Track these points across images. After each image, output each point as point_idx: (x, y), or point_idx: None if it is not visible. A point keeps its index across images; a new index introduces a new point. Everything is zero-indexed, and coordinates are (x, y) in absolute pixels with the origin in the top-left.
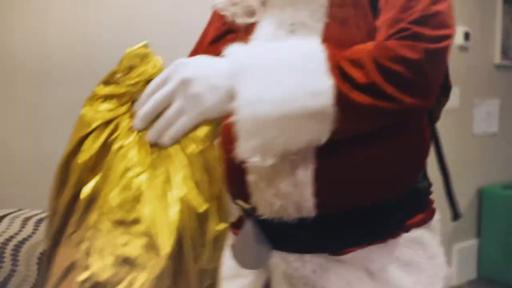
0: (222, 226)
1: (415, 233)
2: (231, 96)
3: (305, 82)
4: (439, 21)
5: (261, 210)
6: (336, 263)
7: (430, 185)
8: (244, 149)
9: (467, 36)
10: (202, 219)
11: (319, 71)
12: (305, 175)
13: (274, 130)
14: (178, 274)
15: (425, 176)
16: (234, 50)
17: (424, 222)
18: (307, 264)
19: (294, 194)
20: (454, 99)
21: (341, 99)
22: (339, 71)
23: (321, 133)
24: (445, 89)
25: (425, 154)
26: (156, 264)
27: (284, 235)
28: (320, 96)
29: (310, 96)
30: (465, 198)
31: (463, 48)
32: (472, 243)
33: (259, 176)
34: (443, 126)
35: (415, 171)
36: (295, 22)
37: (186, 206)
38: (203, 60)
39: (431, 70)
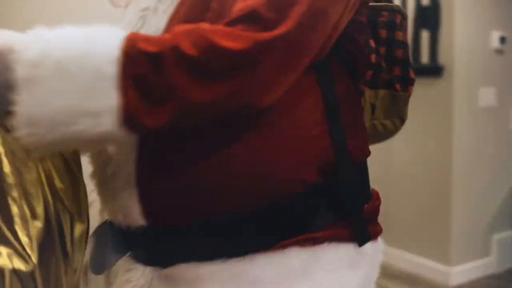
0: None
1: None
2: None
3: (87, 98)
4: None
5: (107, 215)
6: (165, 279)
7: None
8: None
9: (503, 40)
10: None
11: (106, 82)
12: (128, 177)
13: (52, 145)
14: None
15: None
16: (32, 34)
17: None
18: (141, 277)
19: (121, 199)
20: (492, 99)
21: (129, 120)
22: (132, 80)
23: (121, 153)
24: (406, 82)
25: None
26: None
27: (127, 243)
28: (102, 118)
29: (91, 118)
30: (503, 192)
31: (499, 51)
32: (510, 233)
33: (98, 179)
34: (481, 124)
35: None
36: (147, 6)
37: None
38: None
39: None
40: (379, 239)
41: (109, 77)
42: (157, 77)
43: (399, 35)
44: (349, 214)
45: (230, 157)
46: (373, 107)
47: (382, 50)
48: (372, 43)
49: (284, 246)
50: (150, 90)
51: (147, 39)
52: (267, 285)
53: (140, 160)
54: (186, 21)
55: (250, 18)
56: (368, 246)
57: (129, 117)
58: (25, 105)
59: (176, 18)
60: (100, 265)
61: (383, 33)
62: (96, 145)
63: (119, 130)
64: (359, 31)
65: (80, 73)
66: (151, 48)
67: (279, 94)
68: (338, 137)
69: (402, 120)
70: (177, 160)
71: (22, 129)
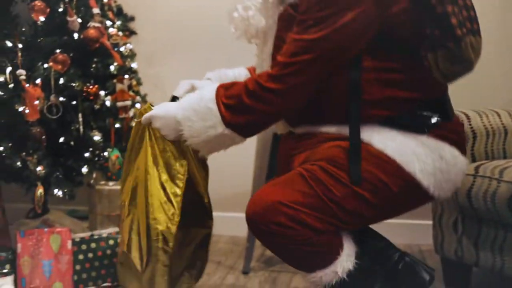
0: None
1: None
2: (177, 130)
3: (206, 120)
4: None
5: None
6: None
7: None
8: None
9: None
10: None
11: (212, 113)
12: None
13: (206, 147)
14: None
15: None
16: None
17: None
18: None
19: None
20: None
21: (227, 122)
22: (222, 105)
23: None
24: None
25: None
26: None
27: None
28: (215, 127)
29: (210, 128)
30: None
31: None
32: None
33: None
34: None
35: None
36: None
37: None
38: (163, 113)
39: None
40: None
41: (215, 109)
42: (235, 103)
43: None
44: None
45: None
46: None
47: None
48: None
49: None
50: (232, 109)
51: (226, 87)
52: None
53: None
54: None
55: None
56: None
57: (227, 123)
58: (186, 131)
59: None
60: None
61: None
62: (220, 140)
63: (226, 130)
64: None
65: (201, 110)
66: (229, 91)
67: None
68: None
69: None
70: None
71: (187, 140)
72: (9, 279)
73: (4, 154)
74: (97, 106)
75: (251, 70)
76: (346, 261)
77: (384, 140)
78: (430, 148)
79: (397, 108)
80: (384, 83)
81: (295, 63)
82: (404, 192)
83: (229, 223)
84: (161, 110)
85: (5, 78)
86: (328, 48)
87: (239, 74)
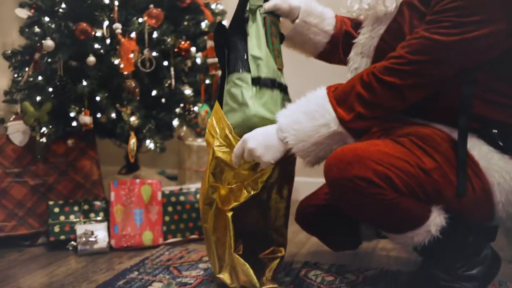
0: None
1: None
2: (281, 145)
3: (317, 119)
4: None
5: None
6: None
7: None
8: (305, 162)
9: None
10: None
11: (324, 111)
12: None
13: (314, 150)
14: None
15: None
16: (279, 116)
17: None
18: None
19: None
20: None
21: (342, 122)
22: (334, 101)
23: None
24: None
25: None
26: None
27: None
28: (328, 125)
29: (322, 127)
30: None
31: None
32: None
33: None
34: None
35: None
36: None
37: None
38: (260, 131)
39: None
40: None
41: (327, 106)
42: (348, 96)
43: None
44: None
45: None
46: None
47: None
48: None
49: None
50: (346, 103)
51: (334, 87)
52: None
53: None
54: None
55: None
56: None
57: (341, 121)
58: (291, 137)
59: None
60: None
61: None
62: (331, 142)
63: (340, 128)
64: None
65: (311, 109)
66: (340, 89)
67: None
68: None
69: None
70: None
71: (293, 148)
72: (103, 226)
73: (100, 105)
74: (188, 63)
75: (339, 18)
76: (438, 216)
77: (473, 143)
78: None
79: (490, 127)
80: (488, 102)
81: (417, 62)
82: (479, 197)
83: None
84: (258, 130)
85: (102, 33)
86: (454, 55)
87: (327, 12)
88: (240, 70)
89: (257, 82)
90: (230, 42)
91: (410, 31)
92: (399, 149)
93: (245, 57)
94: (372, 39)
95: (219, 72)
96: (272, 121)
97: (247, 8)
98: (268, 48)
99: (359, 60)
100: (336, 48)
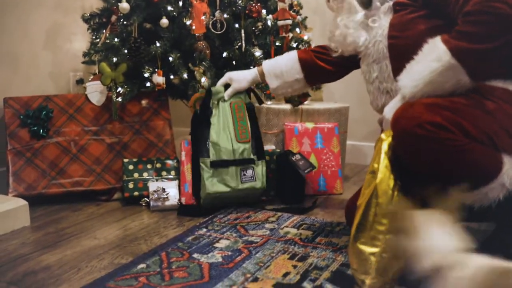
0: None
1: None
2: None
3: (428, 54)
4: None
5: None
6: None
7: None
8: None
9: None
10: None
11: (434, 46)
12: None
13: (429, 89)
14: None
15: None
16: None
17: None
18: None
19: None
20: None
21: (452, 50)
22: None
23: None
24: None
25: None
26: None
27: None
28: (440, 58)
29: (433, 62)
30: None
31: None
32: None
33: None
34: None
35: None
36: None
37: None
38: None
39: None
40: None
41: (436, 42)
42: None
43: None
44: None
45: None
46: None
47: None
48: None
49: None
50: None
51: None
52: None
53: None
54: None
55: None
56: None
57: (452, 49)
58: (407, 81)
59: None
60: None
61: None
62: (442, 78)
63: (453, 60)
64: None
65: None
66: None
67: None
68: None
69: None
70: None
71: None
72: (174, 184)
73: (173, 65)
74: (258, 25)
75: (302, 58)
76: (511, 168)
77: None
78: None
79: None
80: None
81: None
82: None
83: None
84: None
85: None
86: None
87: (287, 63)
88: (204, 155)
89: (214, 164)
90: (197, 132)
91: (415, 13)
92: (463, 98)
93: (207, 144)
94: (380, 43)
95: (290, 35)
96: (226, 193)
97: (211, 104)
98: (234, 128)
99: (376, 68)
100: (325, 74)
